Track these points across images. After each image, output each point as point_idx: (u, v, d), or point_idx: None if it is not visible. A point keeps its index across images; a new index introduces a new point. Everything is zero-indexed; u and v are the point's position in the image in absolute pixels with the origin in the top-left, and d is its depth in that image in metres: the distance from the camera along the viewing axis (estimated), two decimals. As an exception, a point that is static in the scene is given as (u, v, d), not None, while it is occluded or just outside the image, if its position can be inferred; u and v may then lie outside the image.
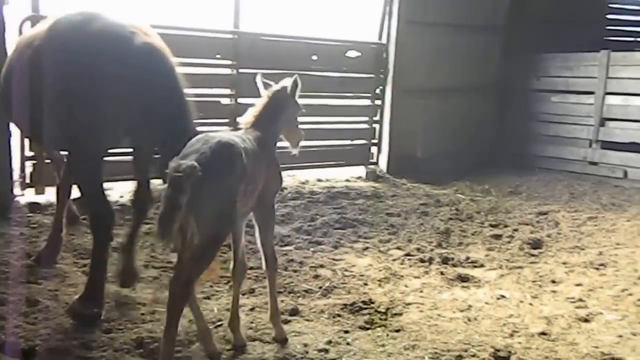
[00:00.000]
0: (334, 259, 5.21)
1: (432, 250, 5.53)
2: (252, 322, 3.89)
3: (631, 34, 13.47)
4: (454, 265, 5.21)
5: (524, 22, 10.21)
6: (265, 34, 7.42)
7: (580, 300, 4.52)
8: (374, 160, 8.72)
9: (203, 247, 2.96)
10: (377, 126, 8.63)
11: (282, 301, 4.21)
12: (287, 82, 3.75)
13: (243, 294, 4.25)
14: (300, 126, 3.95)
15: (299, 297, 4.37)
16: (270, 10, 7.87)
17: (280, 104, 3.71)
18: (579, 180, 8.82)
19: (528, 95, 9.78)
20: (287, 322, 3.93)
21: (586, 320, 4.16)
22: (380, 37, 8.48)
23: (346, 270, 4.95)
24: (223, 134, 3.25)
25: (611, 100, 8.90)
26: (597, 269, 5.25)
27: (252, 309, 4.08)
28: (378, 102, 8.59)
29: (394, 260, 5.28)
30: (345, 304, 4.23)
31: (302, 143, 3.99)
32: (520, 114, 9.78)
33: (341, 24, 8.32)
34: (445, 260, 5.28)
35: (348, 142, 8.49)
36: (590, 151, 9.10)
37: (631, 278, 5.00)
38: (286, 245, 5.36)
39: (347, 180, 8.14)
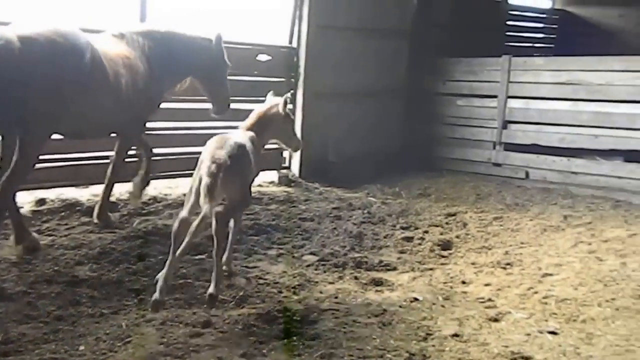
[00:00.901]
0: (247, 267, 5.11)
1: (345, 254, 5.53)
2: (163, 337, 3.74)
3: (531, 40, 14.15)
4: (368, 270, 5.23)
5: (430, 27, 10.47)
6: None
7: (490, 300, 4.64)
8: (286, 164, 8.66)
9: (234, 205, 4.38)
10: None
11: (194, 313, 4.09)
12: (280, 100, 4.89)
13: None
14: (296, 135, 5.23)
15: (212, 307, 4.24)
16: (177, 12, 7.66)
17: (271, 117, 4.85)
18: (484, 181, 9.11)
19: (435, 99, 10.02)
20: (199, 335, 3.80)
21: (496, 320, 4.27)
22: (290, 41, 8.44)
23: (260, 278, 4.87)
24: (234, 136, 4.46)
25: (513, 103, 9.25)
26: (504, 268, 5.42)
27: (162, 323, 3.92)
28: (289, 106, 8.52)
29: (308, 266, 5.24)
30: (259, 314, 4.14)
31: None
32: (427, 117, 10.00)
33: (251, 28, 8.23)
34: (359, 265, 5.29)
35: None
36: (494, 153, 9.42)
37: (536, 276, 5.19)
38: (198, 254, 5.21)
39: (260, 186, 8.04)
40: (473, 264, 5.55)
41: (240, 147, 4.33)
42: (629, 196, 8.13)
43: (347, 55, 8.90)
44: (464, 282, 5.04)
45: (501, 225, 6.80)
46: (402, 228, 6.56)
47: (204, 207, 3.91)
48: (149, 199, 6.73)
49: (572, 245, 6.06)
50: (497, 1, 13.09)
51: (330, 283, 4.89)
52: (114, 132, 5.77)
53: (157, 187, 7.13)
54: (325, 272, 5.14)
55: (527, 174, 9.08)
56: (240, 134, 4.60)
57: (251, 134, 4.66)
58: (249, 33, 8.12)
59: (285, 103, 4.84)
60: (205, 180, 3.96)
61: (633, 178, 8.28)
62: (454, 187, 8.77)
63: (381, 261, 5.45)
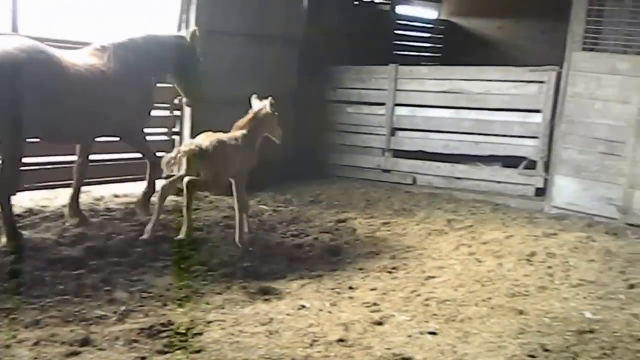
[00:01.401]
0: (131, 280, 4.94)
1: (234, 264, 5.48)
2: (36, 358, 3.54)
3: (418, 49, 14.67)
4: (257, 278, 5.20)
5: (321, 34, 10.62)
6: (50, 39, 6.83)
7: (375, 304, 4.73)
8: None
9: (205, 181, 5.66)
10: (176, 138, 8.40)
11: (71, 331, 3.91)
12: (266, 102, 6.12)
13: (26, 327, 3.91)
14: (279, 127, 6.32)
15: (91, 324, 4.07)
16: (56, 14, 7.32)
17: (262, 116, 6.12)
18: (374, 187, 9.32)
19: (325, 106, 10.16)
20: (76, 353, 3.64)
21: (380, 324, 4.36)
22: (178, 47, 8.25)
23: (144, 291, 4.72)
24: (220, 134, 5.77)
25: (400, 111, 9.53)
26: (390, 272, 5.56)
27: (36, 343, 3.71)
28: (177, 112, 8.38)
29: (195, 277, 5.14)
30: (142, 328, 4.02)
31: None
32: (318, 124, 10.13)
33: (136, 30, 7.97)
34: (247, 274, 5.25)
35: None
36: (383, 159, 9.68)
37: (420, 279, 5.35)
38: (77, 268, 4.99)
39: (147, 195, 7.81)
40: (361, 269, 5.66)
41: (220, 142, 5.64)
42: (507, 199, 8.59)
43: (238, 61, 8.82)
44: (351, 288, 5.12)
45: (389, 231, 6.99)
46: (293, 235, 6.59)
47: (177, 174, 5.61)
48: (25, 211, 6.40)
49: (454, 248, 6.31)
50: (385, 10, 13.49)
51: (218, 294, 4.82)
52: (99, 136, 6.36)
53: (33, 199, 6.79)
54: (213, 282, 5.06)
55: (414, 180, 9.39)
56: (230, 133, 5.91)
57: (243, 132, 5.96)
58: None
59: (271, 104, 6.10)
60: (181, 153, 5.41)
61: (510, 182, 8.78)
62: (345, 193, 8.92)
63: (271, 269, 5.44)
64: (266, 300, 4.76)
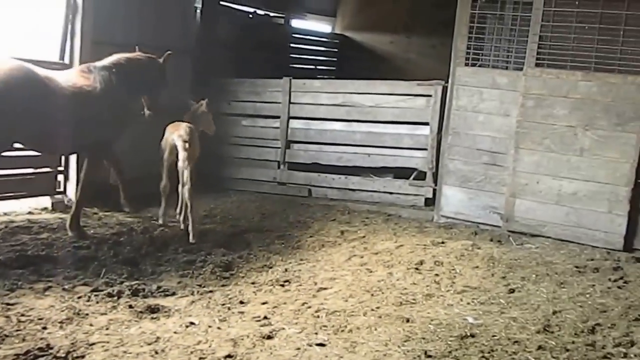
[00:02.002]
0: (8, 304, 4.67)
1: (122, 282, 5.30)
2: None
3: (314, 62, 14.86)
4: (145, 297, 5.07)
5: (215, 47, 10.55)
6: None
7: (265, 318, 4.72)
8: (61, 189, 8.11)
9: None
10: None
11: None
12: (203, 103, 7.61)
13: None
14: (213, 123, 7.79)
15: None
16: None
17: (200, 113, 7.57)
18: (270, 200, 9.33)
19: (220, 119, 10.04)
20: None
21: (269, 337, 4.35)
22: (62, 57, 7.94)
23: (22, 315, 4.48)
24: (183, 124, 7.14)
25: (294, 124, 9.62)
26: (282, 285, 5.57)
27: None
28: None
29: (79, 297, 4.94)
30: (18, 354, 3.82)
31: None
32: (214, 137, 9.96)
33: (20, 42, 7.61)
34: (135, 292, 5.11)
35: (30, 170, 7.76)
36: (279, 172, 9.71)
37: (311, 291, 5.40)
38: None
39: (30, 213, 7.44)
40: (253, 283, 5.64)
41: (191, 128, 7.04)
42: (399, 210, 8.83)
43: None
44: (242, 302, 5.09)
45: (283, 244, 7.01)
46: (185, 252, 6.46)
47: (187, 167, 6.93)
48: None
49: (347, 259, 6.41)
50: (280, 24, 13.59)
51: (103, 314, 4.65)
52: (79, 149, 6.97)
53: None
54: (98, 302, 4.88)
55: (309, 192, 9.48)
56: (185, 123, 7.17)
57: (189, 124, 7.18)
58: (17, 47, 7.49)
59: (207, 103, 7.62)
60: (183, 153, 6.84)
61: (401, 193, 9.04)
62: (240, 207, 8.88)
63: (159, 287, 5.31)
64: (154, 319, 4.64)
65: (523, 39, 7.94)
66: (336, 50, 15.55)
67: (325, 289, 5.48)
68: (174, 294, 5.24)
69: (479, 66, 8.23)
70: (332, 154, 9.42)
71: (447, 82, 8.49)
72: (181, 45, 9.54)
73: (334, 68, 15.39)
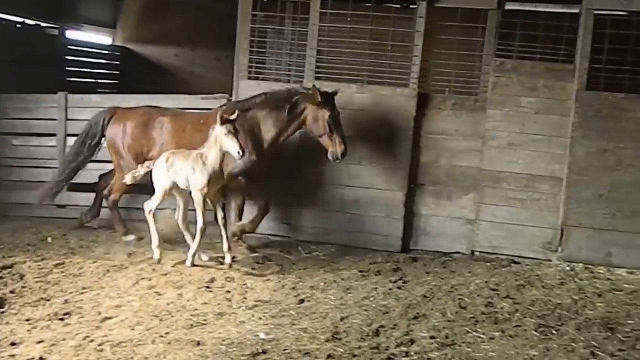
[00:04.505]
0: None
1: None
2: None
3: (94, 76, 14.06)
4: None
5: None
6: None
7: (41, 359, 4.31)
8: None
9: None
10: None
11: None
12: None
13: None
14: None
15: None
16: None
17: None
18: (48, 225, 8.53)
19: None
20: None
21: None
22: None
23: None
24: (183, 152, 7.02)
25: (72, 141, 8.95)
26: (61, 319, 5.14)
27: None
28: None
29: None
30: None
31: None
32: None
33: None
34: None
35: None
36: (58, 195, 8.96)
37: (95, 322, 5.06)
38: None
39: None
40: (27, 320, 5.12)
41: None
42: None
43: None
44: (13, 344, 4.59)
45: (63, 272, 6.46)
46: (-57, 291, 5.69)
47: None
48: None
49: (134, 283, 6.11)
50: (53, 35, 12.65)
51: None
52: None
53: None
54: None
55: (93, 214, 8.88)
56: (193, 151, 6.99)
57: (200, 151, 6.91)
58: None
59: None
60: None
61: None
62: (13, 234, 8.02)
63: None
64: None
65: (302, 52, 8.22)
66: (118, 63, 14.86)
67: (110, 318, 5.16)
68: None
69: (262, 79, 8.35)
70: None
71: (231, 95, 8.48)
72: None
73: (116, 82, 14.68)
